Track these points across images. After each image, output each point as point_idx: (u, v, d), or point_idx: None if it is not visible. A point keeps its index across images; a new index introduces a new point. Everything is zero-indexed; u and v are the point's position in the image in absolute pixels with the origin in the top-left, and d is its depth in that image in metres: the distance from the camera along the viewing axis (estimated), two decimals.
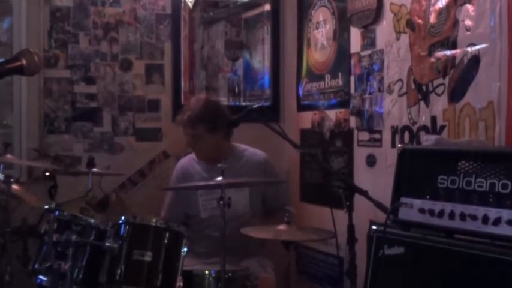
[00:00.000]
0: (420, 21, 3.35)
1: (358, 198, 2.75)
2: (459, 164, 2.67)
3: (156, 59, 4.64)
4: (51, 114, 4.44)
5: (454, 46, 3.12)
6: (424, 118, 3.33)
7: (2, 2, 4.32)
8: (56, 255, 2.95)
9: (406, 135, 3.46)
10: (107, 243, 2.94)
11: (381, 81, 3.68)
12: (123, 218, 3.02)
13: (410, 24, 3.43)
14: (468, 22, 3.02)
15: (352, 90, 3.96)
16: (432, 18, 3.26)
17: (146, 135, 4.61)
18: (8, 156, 3.78)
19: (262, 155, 3.94)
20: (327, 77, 4.27)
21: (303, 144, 4.50)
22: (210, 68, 5.02)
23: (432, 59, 3.26)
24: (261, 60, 5.01)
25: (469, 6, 3.02)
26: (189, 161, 4.00)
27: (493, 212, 2.48)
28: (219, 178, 3.05)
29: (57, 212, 3.03)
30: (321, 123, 4.33)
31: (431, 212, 2.71)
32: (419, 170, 2.85)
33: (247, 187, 3.78)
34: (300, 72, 4.64)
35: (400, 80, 3.52)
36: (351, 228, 2.71)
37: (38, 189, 4.10)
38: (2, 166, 3.65)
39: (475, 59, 2.98)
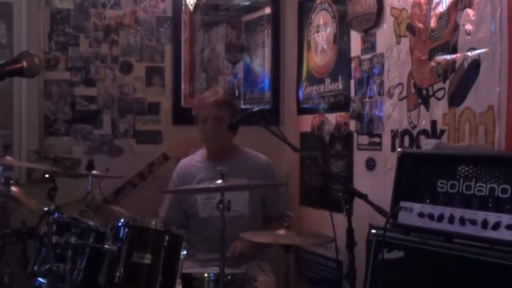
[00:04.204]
0: (420, 25, 3.35)
1: (357, 202, 2.75)
2: (459, 168, 2.67)
3: (156, 61, 4.64)
4: (51, 117, 4.44)
5: (454, 50, 3.12)
6: (424, 122, 3.33)
7: (2, 4, 4.32)
8: (55, 258, 2.94)
9: (406, 139, 3.46)
10: (106, 246, 2.94)
11: (381, 85, 3.68)
12: (122, 220, 3.02)
13: (411, 28, 3.43)
14: (468, 26, 3.02)
15: (352, 94, 3.96)
16: (432, 23, 3.26)
17: (146, 138, 4.61)
18: (8, 158, 3.78)
19: (264, 159, 3.97)
20: (327, 80, 4.27)
21: (303, 147, 4.50)
22: (210, 70, 5.02)
23: (432, 63, 3.26)
24: (261, 63, 5.01)
25: (469, 11, 3.02)
26: (190, 160, 4.02)
27: (492, 217, 2.49)
28: (219, 181, 3.05)
29: (56, 214, 3.03)
30: (321, 126, 4.33)
31: (431, 216, 2.71)
32: (419, 174, 2.85)
33: (247, 189, 3.80)
34: (300, 76, 4.64)
35: (400, 84, 3.52)
36: (350, 231, 2.71)
37: (37, 191, 4.10)
38: (1, 168, 3.65)
39: (475, 64, 2.98)
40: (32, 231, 3.73)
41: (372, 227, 3.05)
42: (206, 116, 3.84)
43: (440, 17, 3.21)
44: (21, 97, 4.34)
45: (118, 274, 2.90)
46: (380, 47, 3.71)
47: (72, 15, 4.47)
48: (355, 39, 3.94)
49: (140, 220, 3.08)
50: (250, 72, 5.07)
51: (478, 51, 2.96)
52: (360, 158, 3.90)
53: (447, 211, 2.65)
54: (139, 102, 4.61)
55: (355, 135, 3.95)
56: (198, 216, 3.84)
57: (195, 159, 4.00)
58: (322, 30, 4.34)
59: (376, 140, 3.73)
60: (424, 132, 3.33)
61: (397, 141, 3.53)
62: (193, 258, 3.66)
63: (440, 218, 2.67)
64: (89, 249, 2.98)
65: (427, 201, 2.75)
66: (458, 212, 2.61)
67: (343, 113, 4.08)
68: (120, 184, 4.37)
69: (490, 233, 2.49)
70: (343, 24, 4.07)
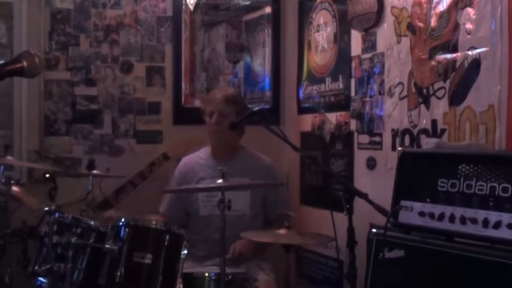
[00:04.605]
0: (421, 24, 3.35)
1: (358, 201, 2.75)
2: (459, 167, 2.67)
3: (156, 61, 4.64)
4: (51, 116, 4.44)
5: (454, 49, 3.12)
6: (424, 121, 3.33)
7: (3, 4, 4.32)
8: (56, 257, 2.94)
9: (407, 138, 3.46)
10: (107, 246, 2.94)
11: (381, 84, 3.68)
12: (123, 220, 3.02)
13: (411, 28, 3.43)
14: (469, 25, 3.02)
15: (353, 93, 3.96)
16: (433, 22, 3.26)
17: (146, 138, 4.61)
18: (9, 158, 3.79)
19: (267, 161, 3.98)
20: (328, 79, 4.27)
21: (303, 147, 4.50)
22: (210, 70, 5.02)
23: (433, 62, 3.26)
24: (261, 62, 5.01)
25: (469, 10, 3.02)
26: (193, 157, 4.02)
27: (493, 216, 2.49)
28: (220, 180, 3.05)
29: (57, 214, 3.03)
30: (322, 126, 4.33)
31: (432, 215, 2.71)
32: (419, 173, 2.85)
33: (249, 189, 3.81)
34: (300, 75, 4.64)
35: (401, 83, 3.51)
36: (351, 231, 2.71)
37: (38, 191, 4.10)
38: (2, 168, 3.65)
39: (476, 63, 2.98)
40: (33, 231, 3.73)
41: (372, 226, 3.05)
42: (212, 110, 3.85)
43: (441, 16, 3.21)
44: (22, 97, 4.33)
45: (119, 274, 2.90)
46: (380, 46, 3.70)
47: (72, 15, 4.47)
48: (356, 38, 3.93)
49: (141, 220, 3.08)
50: (251, 71, 5.07)
51: (478, 50, 2.96)
52: (360, 157, 3.90)
53: (448, 210, 2.65)
54: (139, 102, 4.61)
55: (355, 134, 3.95)
56: (199, 214, 3.84)
57: (199, 156, 4.01)
58: (322, 30, 4.34)
59: (377, 139, 3.73)
60: (424, 131, 3.33)
61: (398, 140, 3.53)
62: (193, 257, 3.67)
63: (441, 217, 2.67)
64: (90, 249, 2.98)
65: (428, 200, 2.75)
66: (459, 211, 2.61)
67: (343, 113, 4.07)
68: (120, 184, 4.37)
69: (490, 232, 2.49)
70: (344, 24, 4.07)
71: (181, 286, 3.01)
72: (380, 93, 3.70)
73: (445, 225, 2.66)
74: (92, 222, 3.08)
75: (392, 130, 3.58)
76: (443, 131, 3.19)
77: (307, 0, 4.55)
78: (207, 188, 3.66)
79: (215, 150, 3.95)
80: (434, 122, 3.26)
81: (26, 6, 4.33)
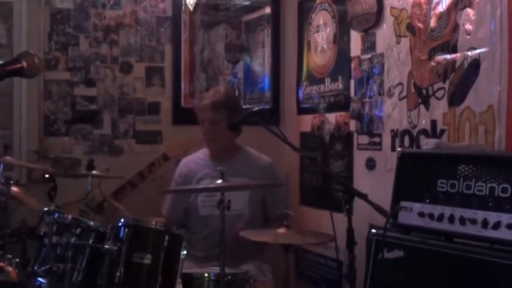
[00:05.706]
0: (420, 25, 3.35)
1: (357, 202, 2.75)
2: (459, 168, 2.67)
3: (156, 61, 4.64)
4: (51, 117, 4.44)
5: (454, 50, 3.12)
6: (424, 122, 3.33)
7: (2, 4, 4.32)
8: (55, 258, 2.94)
9: (406, 138, 3.46)
10: (106, 246, 2.93)
11: (381, 84, 3.68)
12: (122, 220, 3.02)
13: (411, 28, 3.43)
14: (468, 26, 3.02)
15: (352, 94, 3.96)
16: (432, 22, 3.26)
17: (146, 138, 4.61)
18: (8, 158, 3.79)
19: (267, 161, 3.98)
20: (327, 80, 4.27)
21: (303, 147, 4.50)
22: (210, 70, 5.02)
23: (432, 63, 3.26)
24: (261, 63, 5.01)
25: (469, 10, 3.02)
26: (193, 158, 4.03)
27: (492, 216, 2.49)
28: (219, 181, 3.05)
29: (56, 214, 3.03)
30: (321, 126, 4.33)
31: (431, 216, 2.71)
32: (419, 174, 2.85)
33: (248, 189, 3.81)
34: (300, 76, 4.64)
35: (400, 83, 3.52)
36: (350, 231, 2.71)
37: (37, 191, 4.10)
38: (1, 167, 3.66)
39: (475, 63, 2.98)
40: (32, 231, 3.73)
41: (372, 226, 3.06)
42: (203, 118, 3.85)
43: (440, 16, 3.21)
44: (21, 97, 4.34)
45: (118, 274, 2.89)
46: (380, 47, 3.71)
47: (72, 15, 4.47)
48: (355, 39, 3.93)
49: (141, 220, 3.08)
50: (250, 72, 5.07)
51: (478, 51, 2.97)
52: (360, 158, 3.90)
53: (447, 211, 2.66)
54: (139, 102, 4.61)
55: (355, 135, 3.95)
56: (198, 214, 3.85)
57: (198, 157, 4.02)
58: (322, 30, 4.34)
59: (376, 139, 3.73)
60: (424, 132, 3.33)
61: (397, 141, 3.53)
62: (193, 257, 3.66)
63: (441, 217, 2.67)
64: (89, 249, 2.98)
65: (427, 200, 2.75)
66: (458, 212, 2.61)
67: (343, 113, 4.08)
68: (120, 184, 4.36)
69: (490, 233, 2.49)
70: (343, 24, 4.07)
71: (180, 286, 3.00)
72: (379, 94, 3.70)
73: (445, 225, 2.66)
74: (92, 223, 3.08)
75: (392, 131, 3.58)
76: (442, 131, 3.19)
77: (307, 1, 4.56)
78: (206, 189, 3.67)
79: (213, 152, 3.95)
80: (433, 123, 3.26)
81: (25, 6, 4.33)
